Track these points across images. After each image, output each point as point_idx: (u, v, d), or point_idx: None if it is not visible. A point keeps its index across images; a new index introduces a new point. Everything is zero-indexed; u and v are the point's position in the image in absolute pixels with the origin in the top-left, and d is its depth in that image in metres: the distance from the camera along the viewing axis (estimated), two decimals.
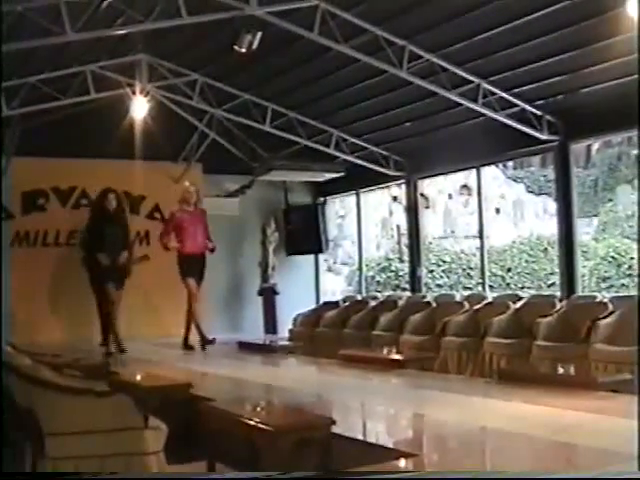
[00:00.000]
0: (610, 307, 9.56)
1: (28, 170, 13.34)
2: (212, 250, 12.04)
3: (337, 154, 15.09)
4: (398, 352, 9.83)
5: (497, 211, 22.53)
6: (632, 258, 18.65)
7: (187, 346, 11.73)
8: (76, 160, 13.68)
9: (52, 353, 8.71)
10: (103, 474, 4.69)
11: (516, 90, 12.00)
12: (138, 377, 7.43)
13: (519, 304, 11.02)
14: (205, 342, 11.70)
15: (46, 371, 5.72)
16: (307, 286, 17.52)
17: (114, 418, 4.94)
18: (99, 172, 13.86)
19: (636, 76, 10.11)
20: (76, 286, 12.87)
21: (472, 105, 11.94)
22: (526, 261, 20.69)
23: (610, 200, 21.31)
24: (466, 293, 15.58)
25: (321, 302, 16.49)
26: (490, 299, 12.61)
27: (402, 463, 4.59)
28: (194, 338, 11.86)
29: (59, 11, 9.35)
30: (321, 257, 18.19)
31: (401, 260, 20.66)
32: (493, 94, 11.97)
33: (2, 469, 4.69)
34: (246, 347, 11.65)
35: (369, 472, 4.29)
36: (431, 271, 19.85)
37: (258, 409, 5.33)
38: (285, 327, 14.45)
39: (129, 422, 4.96)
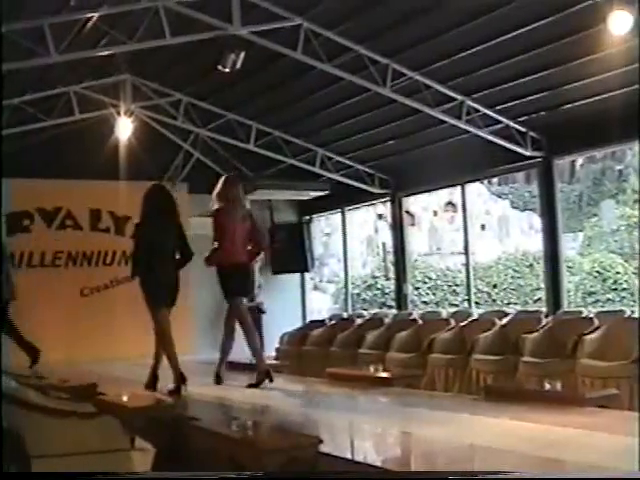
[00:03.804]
0: (596, 322, 9.54)
1: (13, 191, 13.26)
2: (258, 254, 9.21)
3: (322, 172, 15.12)
4: (385, 370, 9.81)
5: (482, 227, 22.62)
6: (617, 273, 18.74)
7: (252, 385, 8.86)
8: (61, 181, 13.64)
9: (37, 375, 8.66)
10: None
11: (499, 107, 12.06)
12: (124, 398, 7.38)
13: (505, 320, 11.00)
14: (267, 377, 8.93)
15: (31, 393, 5.69)
16: (293, 305, 17.50)
17: (100, 440, 4.91)
18: (84, 193, 13.88)
19: (617, 91, 10.23)
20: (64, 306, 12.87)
21: (456, 122, 11.99)
22: (512, 277, 20.74)
23: (595, 215, 21.40)
24: (452, 310, 15.59)
25: (307, 320, 16.48)
26: (476, 316, 12.60)
27: None
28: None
29: (43, 32, 9.37)
30: (307, 275, 18.19)
31: (387, 278, 20.68)
32: (477, 111, 12.02)
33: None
34: (234, 366, 11.59)
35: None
36: (417, 288, 19.88)
37: (245, 429, 5.31)
38: (272, 346, 14.39)
39: (115, 443, 4.93)
